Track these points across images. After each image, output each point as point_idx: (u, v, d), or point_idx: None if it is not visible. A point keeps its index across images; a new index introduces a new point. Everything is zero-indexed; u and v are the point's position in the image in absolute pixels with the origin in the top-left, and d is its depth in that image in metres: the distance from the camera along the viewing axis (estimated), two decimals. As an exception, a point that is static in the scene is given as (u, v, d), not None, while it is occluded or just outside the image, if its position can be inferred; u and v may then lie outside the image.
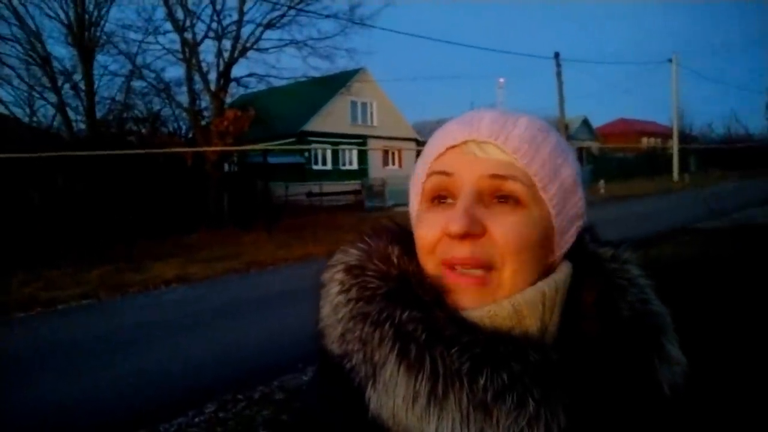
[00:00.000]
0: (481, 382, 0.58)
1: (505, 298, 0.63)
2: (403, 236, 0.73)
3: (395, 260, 0.68)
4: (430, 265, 0.66)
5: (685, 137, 40.35)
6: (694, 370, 0.70)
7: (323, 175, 27.58)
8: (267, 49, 19.28)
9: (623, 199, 20.34)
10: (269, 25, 18.94)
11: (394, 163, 32.86)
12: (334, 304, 0.67)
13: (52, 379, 5.22)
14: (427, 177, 0.68)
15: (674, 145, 35.81)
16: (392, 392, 0.60)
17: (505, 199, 0.64)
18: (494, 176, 0.64)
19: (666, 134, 49.34)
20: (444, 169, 0.66)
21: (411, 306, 0.63)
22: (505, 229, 0.62)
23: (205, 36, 18.91)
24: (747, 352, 3.84)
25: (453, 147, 0.66)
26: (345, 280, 0.68)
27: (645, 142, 53.01)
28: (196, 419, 4.25)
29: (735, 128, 42.09)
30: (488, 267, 0.63)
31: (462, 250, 0.62)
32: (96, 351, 6.03)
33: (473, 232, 0.62)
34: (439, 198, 0.67)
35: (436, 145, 0.69)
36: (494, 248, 0.62)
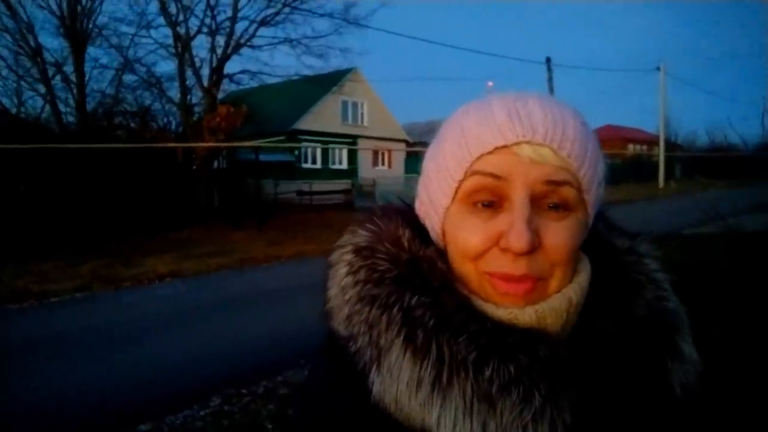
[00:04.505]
0: (487, 373, 0.57)
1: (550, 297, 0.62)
2: (414, 218, 0.71)
3: (406, 244, 0.66)
4: (468, 269, 0.63)
5: (670, 145, 40.87)
6: (707, 370, 0.70)
7: (313, 174, 27.51)
8: (261, 46, 19.27)
9: (611, 204, 20.52)
10: (263, 23, 18.93)
11: (383, 164, 32.88)
12: (341, 286, 0.66)
13: (51, 372, 5.19)
14: (466, 176, 0.62)
15: (660, 152, 36.24)
16: (396, 377, 0.59)
17: (556, 205, 0.61)
18: (549, 182, 0.60)
19: (652, 141, 49.94)
20: (494, 172, 0.61)
21: (420, 291, 0.61)
22: (558, 240, 0.60)
23: (198, 31, 18.88)
24: (742, 356, 3.93)
25: (503, 146, 0.61)
26: (354, 261, 0.66)
27: (631, 149, 53.64)
28: (202, 412, 4.25)
29: (720, 137, 42.70)
30: (539, 279, 0.61)
31: (518, 267, 0.59)
32: (94, 344, 5.99)
33: (535, 246, 0.59)
34: (483, 201, 0.62)
35: (478, 139, 0.62)
36: (546, 259, 0.60)
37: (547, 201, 0.61)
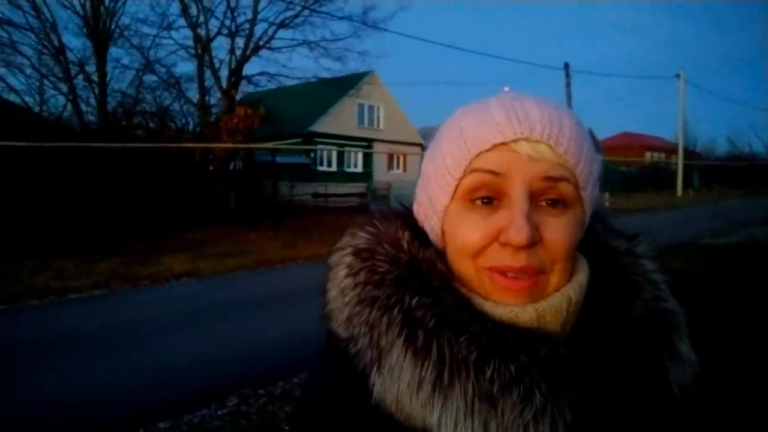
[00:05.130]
0: (488, 372, 0.58)
1: (550, 295, 0.63)
2: (413, 221, 0.71)
3: (405, 245, 0.66)
4: (468, 267, 0.63)
5: (688, 153, 40.44)
6: (705, 370, 0.70)
7: (328, 177, 27.61)
8: (279, 48, 19.34)
9: (629, 212, 20.37)
10: (282, 25, 19.00)
11: (398, 168, 32.91)
12: (341, 288, 0.66)
13: (70, 368, 5.23)
14: (465, 173, 0.64)
15: (679, 160, 35.87)
16: (397, 378, 0.59)
17: (555, 201, 0.62)
18: (548, 179, 0.61)
19: (669, 149, 49.50)
20: (492, 169, 0.62)
21: (420, 292, 0.62)
22: (557, 235, 0.61)
23: (218, 33, 18.98)
24: (753, 361, 3.88)
25: (501, 144, 0.62)
26: (353, 263, 0.66)
27: (648, 156, 53.15)
28: (219, 412, 4.27)
29: (742, 146, 42.41)
30: (540, 272, 0.62)
31: (519, 260, 0.60)
32: (112, 341, 6.04)
33: (535, 240, 0.60)
34: (482, 198, 0.63)
35: (476, 137, 0.63)
36: (546, 254, 0.61)
37: (545, 197, 0.62)
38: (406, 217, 0.72)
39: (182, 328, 6.55)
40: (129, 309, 7.71)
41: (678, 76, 34.70)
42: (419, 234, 0.69)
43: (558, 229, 0.61)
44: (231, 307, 7.57)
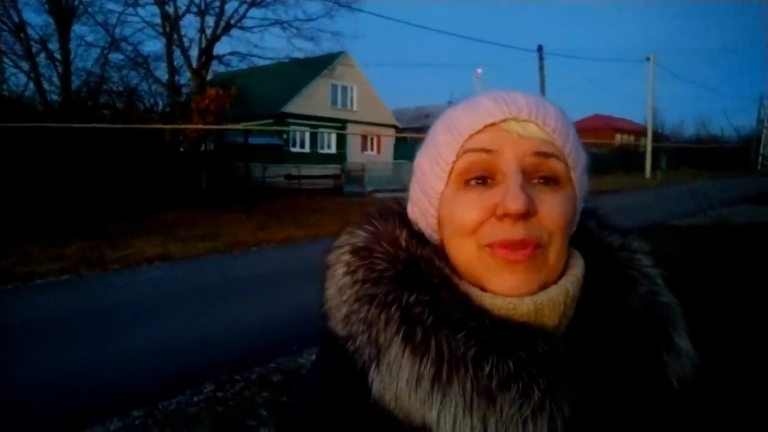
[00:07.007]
0: (487, 368, 0.58)
1: (548, 279, 0.63)
2: (409, 222, 0.72)
3: (403, 243, 0.66)
4: (467, 247, 0.63)
5: (657, 136, 41.14)
6: (704, 363, 0.70)
7: (301, 158, 27.32)
8: (251, 27, 19.00)
9: (600, 194, 20.69)
10: (254, 3, 18.65)
11: (372, 149, 32.73)
12: (339, 286, 0.66)
13: (39, 356, 5.08)
14: (458, 156, 0.65)
15: (648, 143, 36.47)
16: (396, 375, 0.59)
17: (546, 178, 0.63)
18: (538, 154, 0.63)
19: (638, 132, 50.27)
20: (484, 147, 0.63)
21: (418, 289, 0.62)
22: (552, 208, 0.62)
23: (187, 10, 18.52)
24: (735, 348, 3.95)
25: (492, 125, 0.64)
26: (351, 261, 0.66)
27: (618, 138, 53.92)
28: (195, 398, 4.18)
29: (711, 129, 43.45)
30: (538, 246, 0.61)
31: (517, 231, 0.60)
32: (83, 328, 5.89)
33: (531, 211, 0.60)
34: (476, 178, 0.64)
35: (467, 122, 0.65)
36: (542, 228, 0.61)
37: (537, 174, 0.63)
38: (403, 215, 0.72)
39: (155, 313, 6.41)
40: (99, 294, 7.52)
41: (648, 59, 35.15)
42: (416, 232, 0.70)
43: (552, 204, 0.62)
44: (204, 291, 7.45)
